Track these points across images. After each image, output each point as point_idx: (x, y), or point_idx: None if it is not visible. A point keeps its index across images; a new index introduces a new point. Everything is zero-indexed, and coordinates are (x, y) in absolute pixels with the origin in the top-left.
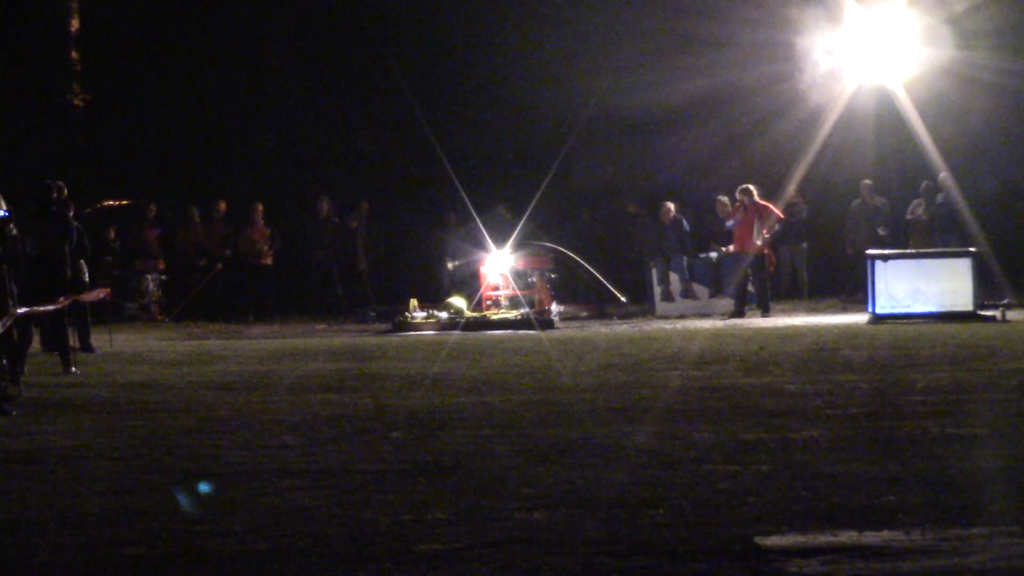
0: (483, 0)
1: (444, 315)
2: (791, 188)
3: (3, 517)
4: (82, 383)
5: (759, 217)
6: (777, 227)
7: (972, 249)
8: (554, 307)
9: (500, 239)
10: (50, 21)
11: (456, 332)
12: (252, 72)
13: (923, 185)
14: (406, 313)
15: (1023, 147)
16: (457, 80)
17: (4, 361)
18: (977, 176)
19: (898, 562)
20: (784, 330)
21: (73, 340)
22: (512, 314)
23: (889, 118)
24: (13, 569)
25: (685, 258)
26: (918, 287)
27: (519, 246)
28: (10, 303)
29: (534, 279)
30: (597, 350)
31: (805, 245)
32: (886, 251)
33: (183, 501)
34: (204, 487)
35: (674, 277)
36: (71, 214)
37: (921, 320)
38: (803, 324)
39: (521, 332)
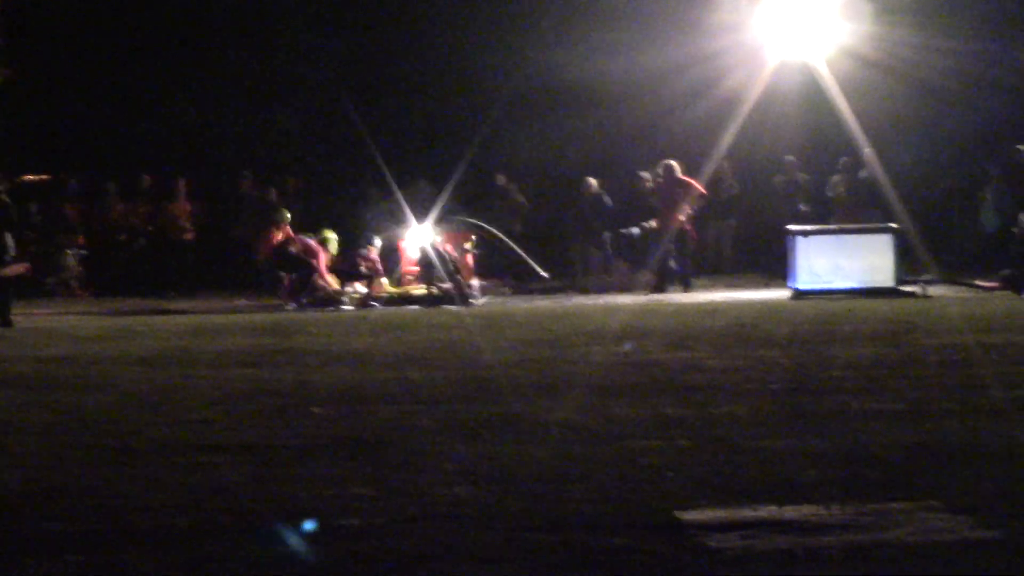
0: None
1: (365, 291)
2: (724, 163)
3: None
4: (1, 358)
5: (681, 193)
6: (699, 203)
7: (893, 225)
8: (476, 282)
9: (421, 214)
10: None
11: (377, 308)
12: (173, 47)
13: (842, 161)
14: (323, 287)
15: (944, 123)
16: (378, 53)
17: None
18: (898, 152)
19: (818, 536)
20: (705, 305)
21: None
22: (434, 289)
23: (811, 94)
24: None
25: (607, 234)
26: (839, 263)
27: (441, 221)
28: None
29: (455, 254)
30: (518, 326)
31: (733, 221)
32: (807, 227)
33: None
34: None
35: (595, 253)
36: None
37: (842, 296)
38: (724, 300)
39: (442, 308)
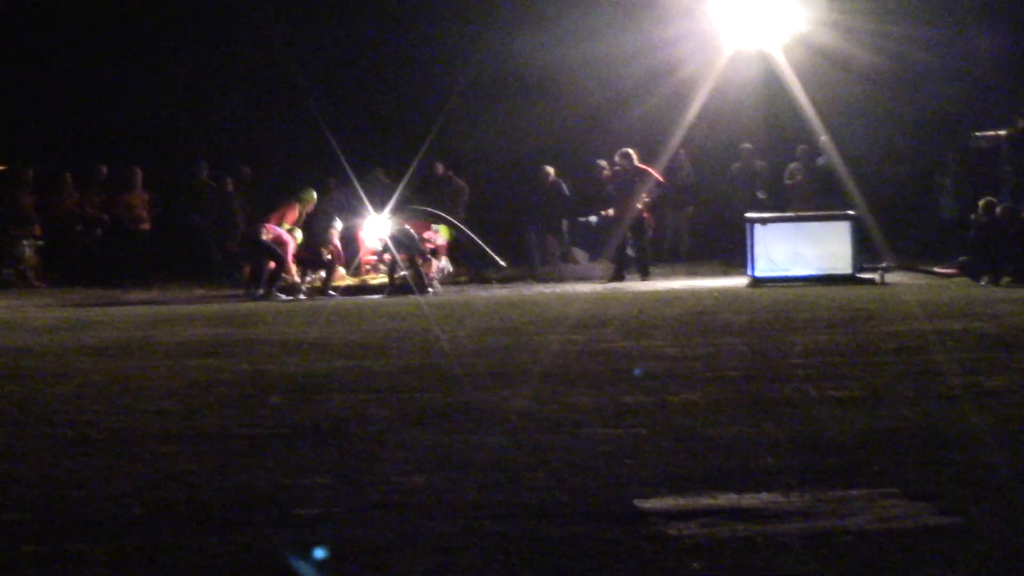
0: None
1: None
2: (680, 151)
3: None
4: None
5: (639, 181)
6: (657, 191)
7: (851, 212)
8: (444, 263)
9: (379, 203)
10: None
11: (335, 297)
12: (128, 35)
13: (800, 148)
14: (284, 277)
15: (900, 110)
16: (334, 41)
17: None
18: (854, 139)
19: (777, 524)
20: (663, 294)
21: None
22: (396, 279)
23: (767, 82)
24: None
25: (564, 222)
26: (797, 250)
27: (398, 210)
28: None
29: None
30: (476, 315)
31: (690, 209)
32: (765, 214)
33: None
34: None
35: (553, 241)
36: None
37: (800, 283)
38: (682, 287)
39: (400, 297)
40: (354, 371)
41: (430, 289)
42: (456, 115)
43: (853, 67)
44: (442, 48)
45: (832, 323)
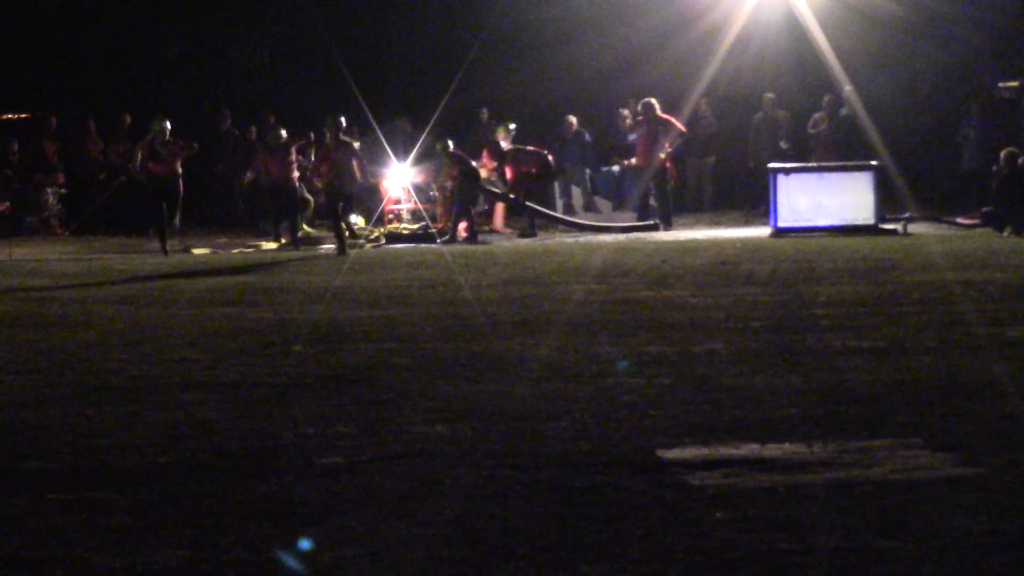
0: None
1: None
2: (702, 101)
3: None
4: None
5: (661, 131)
6: (679, 141)
7: (874, 163)
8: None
9: (401, 152)
10: None
11: (356, 248)
12: None
13: (825, 99)
14: (304, 226)
15: (925, 60)
16: None
17: None
18: (877, 88)
19: (799, 474)
20: (686, 244)
21: None
22: (414, 227)
23: (791, 30)
24: None
25: (587, 172)
26: (820, 200)
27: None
28: None
29: (434, 193)
30: (499, 264)
31: (712, 159)
32: (788, 164)
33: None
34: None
35: (576, 191)
36: None
37: (823, 233)
38: (705, 238)
39: (423, 246)
40: (377, 320)
41: (455, 239)
42: (479, 64)
43: (877, 17)
44: None
45: (855, 274)
